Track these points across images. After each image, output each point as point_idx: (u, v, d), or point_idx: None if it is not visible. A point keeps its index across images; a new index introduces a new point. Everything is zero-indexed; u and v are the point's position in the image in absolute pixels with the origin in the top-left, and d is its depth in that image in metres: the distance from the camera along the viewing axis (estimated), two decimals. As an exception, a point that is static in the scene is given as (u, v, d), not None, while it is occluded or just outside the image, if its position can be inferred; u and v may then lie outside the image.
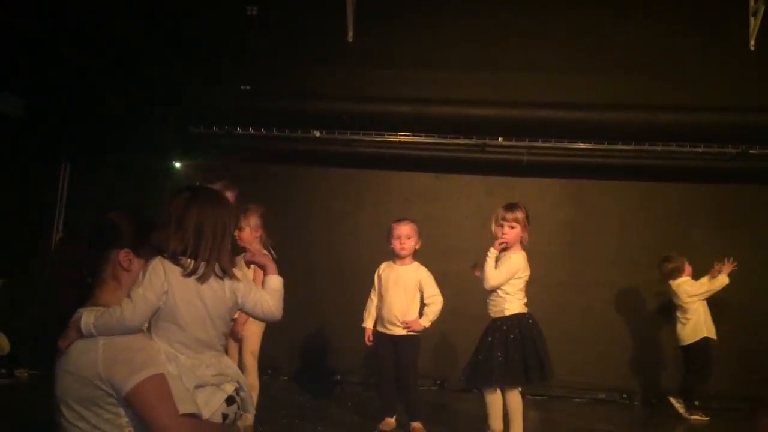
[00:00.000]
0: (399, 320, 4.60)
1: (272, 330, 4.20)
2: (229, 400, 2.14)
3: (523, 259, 4.26)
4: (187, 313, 2.11)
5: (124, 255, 2.06)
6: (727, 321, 5.98)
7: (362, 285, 4.99)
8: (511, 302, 4.21)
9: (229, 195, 4.37)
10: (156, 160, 6.65)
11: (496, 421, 4.24)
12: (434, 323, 4.64)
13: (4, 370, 5.69)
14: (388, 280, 4.68)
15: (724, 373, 5.91)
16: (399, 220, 4.75)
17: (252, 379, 4.22)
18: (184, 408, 1.91)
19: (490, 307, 4.30)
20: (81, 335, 1.93)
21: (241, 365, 4.26)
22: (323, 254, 6.74)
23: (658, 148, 6.19)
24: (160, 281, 2.07)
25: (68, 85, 5.74)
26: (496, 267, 4.24)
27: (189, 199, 2.18)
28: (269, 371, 6.16)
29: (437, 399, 5.97)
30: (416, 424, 4.61)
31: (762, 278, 6.22)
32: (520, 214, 4.27)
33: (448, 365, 6.21)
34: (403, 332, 4.60)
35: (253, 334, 4.32)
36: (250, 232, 4.38)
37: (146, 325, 2.10)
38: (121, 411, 1.90)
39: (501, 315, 4.22)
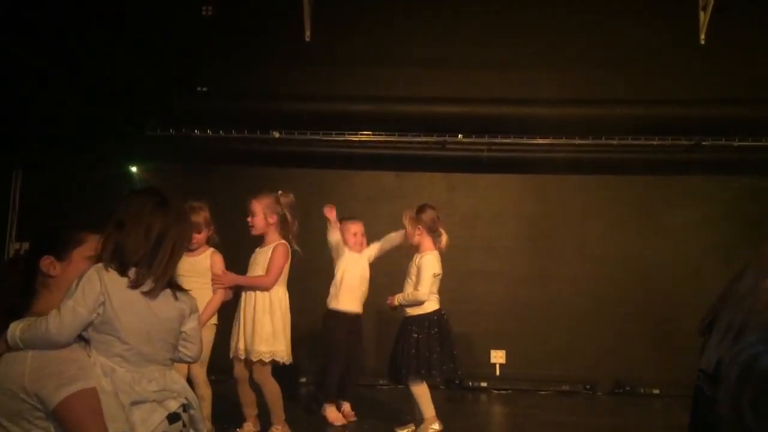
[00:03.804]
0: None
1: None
2: (173, 418, 1.98)
3: (434, 258, 4.47)
4: (129, 326, 1.95)
5: (44, 261, 1.98)
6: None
7: (325, 285, 5.05)
8: (430, 300, 4.43)
9: (203, 215, 4.28)
10: (112, 165, 6.51)
11: (429, 408, 4.39)
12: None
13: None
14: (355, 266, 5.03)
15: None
16: (352, 218, 5.07)
17: (201, 390, 4.09)
18: (114, 427, 1.81)
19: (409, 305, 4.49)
20: (10, 347, 1.84)
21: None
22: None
23: (615, 142, 6.31)
24: (95, 293, 1.90)
25: (20, 88, 5.59)
26: (413, 277, 4.47)
27: (157, 205, 2.03)
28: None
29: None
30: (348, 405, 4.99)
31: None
32: (425, 217, 4.53)
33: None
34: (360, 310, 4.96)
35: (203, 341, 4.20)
36: (207, 231, 4.30)
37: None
38: (52, 427, 1.79)
39: (422, 312, 4.41)
